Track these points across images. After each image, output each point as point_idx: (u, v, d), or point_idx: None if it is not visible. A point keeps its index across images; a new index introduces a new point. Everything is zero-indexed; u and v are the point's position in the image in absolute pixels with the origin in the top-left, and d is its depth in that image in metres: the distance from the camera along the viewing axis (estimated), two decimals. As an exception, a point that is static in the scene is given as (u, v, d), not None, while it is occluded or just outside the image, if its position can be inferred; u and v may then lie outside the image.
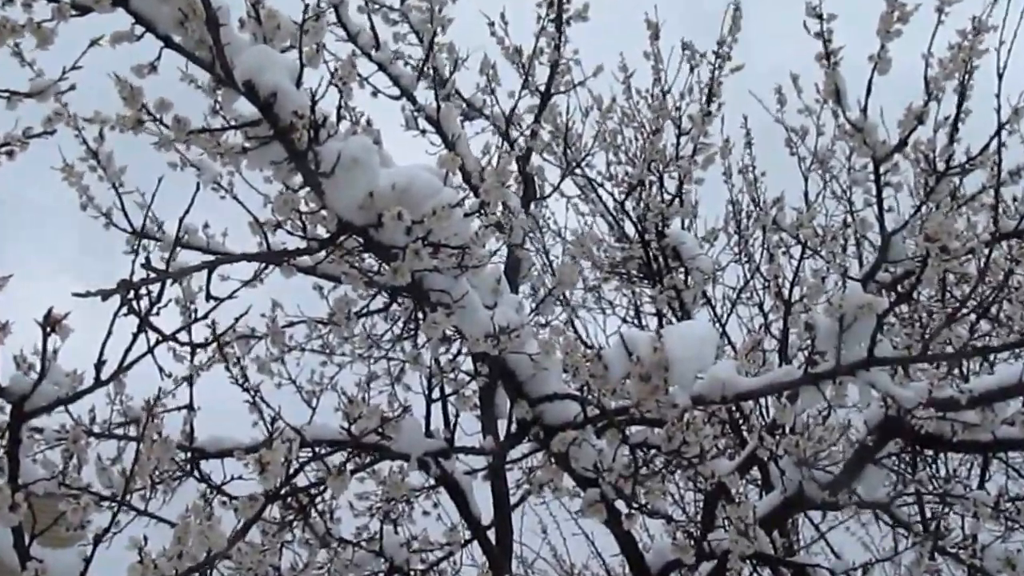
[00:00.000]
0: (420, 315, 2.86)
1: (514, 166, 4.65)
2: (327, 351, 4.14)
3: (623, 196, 5.20)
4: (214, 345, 3.38)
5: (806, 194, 5.44)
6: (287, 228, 2.47)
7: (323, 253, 2.56)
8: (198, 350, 3.25)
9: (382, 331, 4.08)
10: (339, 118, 2.37)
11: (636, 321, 5.73)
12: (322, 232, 2.50)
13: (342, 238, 2.48)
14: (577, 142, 4.96)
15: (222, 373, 3.41)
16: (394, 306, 3.70)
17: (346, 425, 2.75)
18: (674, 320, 4.70)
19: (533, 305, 4.04)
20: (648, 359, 2.59)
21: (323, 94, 2.23)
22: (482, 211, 2.45)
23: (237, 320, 2.39)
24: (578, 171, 5.15)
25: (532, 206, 4.98)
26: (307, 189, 2.36)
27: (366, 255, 2.70)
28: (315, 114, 2.22)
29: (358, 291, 3.14)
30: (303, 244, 2.52)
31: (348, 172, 2.27)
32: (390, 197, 2.31)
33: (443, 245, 2.40)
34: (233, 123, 2.28)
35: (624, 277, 5.33)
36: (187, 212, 2.16)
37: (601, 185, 5.46)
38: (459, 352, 3.40)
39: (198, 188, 2.34)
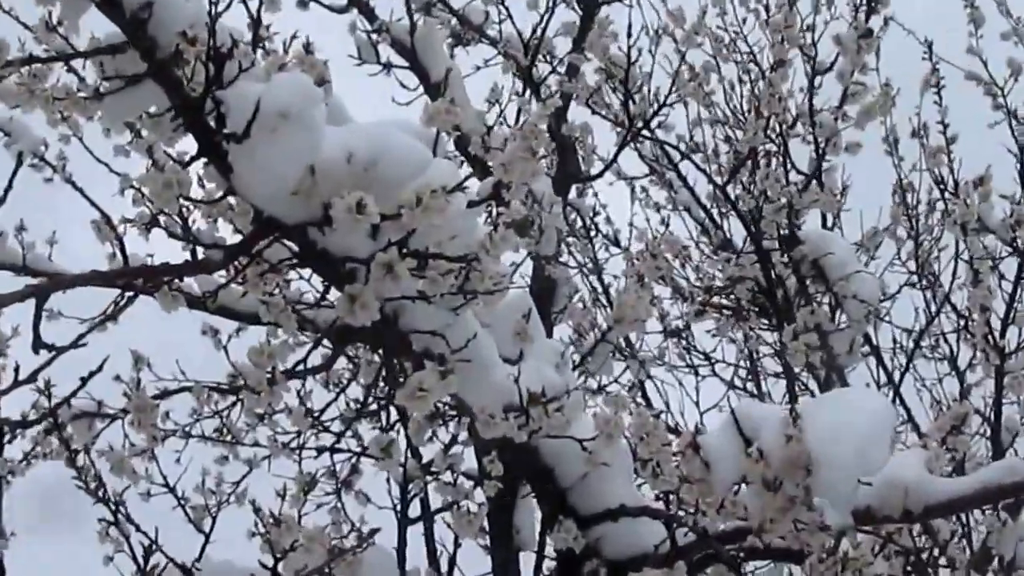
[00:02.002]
0: (395, 375, 2.80)
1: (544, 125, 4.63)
2: (230, 439, 4.11)
3: (724, 177, 5.18)
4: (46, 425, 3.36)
5: (1021, 173, 5.43)
6: (168, 227, 2.45)
7: (229, 270, 2.53)
8: (18, 432, 3.23)
9: (324, 403, 4.05)
10: (256, 42, 2.36)
11: (751, 386, 5.70)
12: (228, 235, 2.49)
13: (262, 244, 2.46)
14: (646, 84, 4.92)
15: (62, 473, 3.37)
16: (344, 361, 3.66)
17: (268, 562, 2.75)
18: (815, 386, 4.66)
19: (577, 357, 4.00)
20: (779, 453, 2.54)
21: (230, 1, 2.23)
22: (499, 200, 2.43)
23: (85, 381, 2.34)
24: (647, 134, 5.10)
25: (573, 192, 4.97)
26: (203, 161, 2.34)
27: (301, 271, 2.67)
28: (217, 37, 2.20)
29: (288, 335, 3.08)
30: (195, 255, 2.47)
31: (273, 134, 2.25)
32: (344, 175, 2.30)
33: (434, 256, 2.39)
34: (80, 49, 2.25)
35: (728, 312, 5.30)
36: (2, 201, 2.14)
37: (686, 157, 5.44)
38: (455, 439, 3.42)
39: (20, 163, 2.32)
